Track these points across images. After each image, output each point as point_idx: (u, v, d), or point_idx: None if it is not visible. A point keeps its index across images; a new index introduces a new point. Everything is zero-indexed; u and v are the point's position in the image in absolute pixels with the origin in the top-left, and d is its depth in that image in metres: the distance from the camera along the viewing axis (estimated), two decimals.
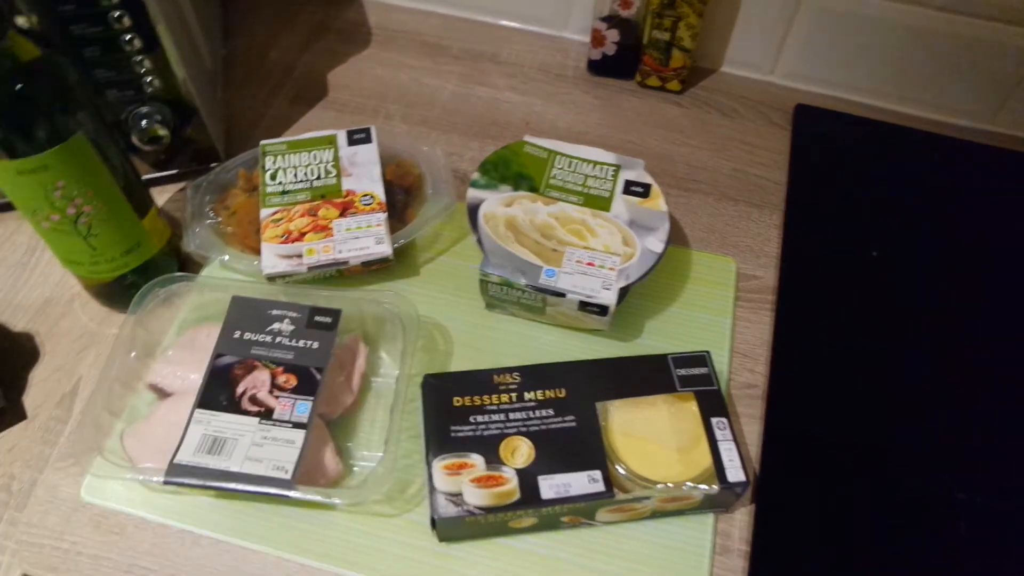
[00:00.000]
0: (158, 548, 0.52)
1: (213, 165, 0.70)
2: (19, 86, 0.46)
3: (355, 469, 0.55)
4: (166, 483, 0.50)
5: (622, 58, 0.80)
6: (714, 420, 0.53)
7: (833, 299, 0.66)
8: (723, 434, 0.53)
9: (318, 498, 0.50)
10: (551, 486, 0.50)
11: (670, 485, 0.51)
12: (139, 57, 0.60)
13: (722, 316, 0.64)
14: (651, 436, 0.53)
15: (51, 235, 0.54)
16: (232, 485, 0.49)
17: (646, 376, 0.55)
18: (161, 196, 0.70)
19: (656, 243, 0.59)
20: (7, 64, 0.46)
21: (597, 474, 0.51)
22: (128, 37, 0.58)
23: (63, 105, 0.48)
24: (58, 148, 0.49)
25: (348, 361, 0.57)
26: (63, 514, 0.53)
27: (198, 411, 0.52)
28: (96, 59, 0.59)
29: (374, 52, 0.85)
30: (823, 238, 0.70)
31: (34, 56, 0.47)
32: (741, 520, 0.55)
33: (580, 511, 0.51)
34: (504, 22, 0.88)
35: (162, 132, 0.64)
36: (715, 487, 0.51)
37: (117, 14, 0.57)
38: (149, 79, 0.62)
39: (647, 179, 0.63)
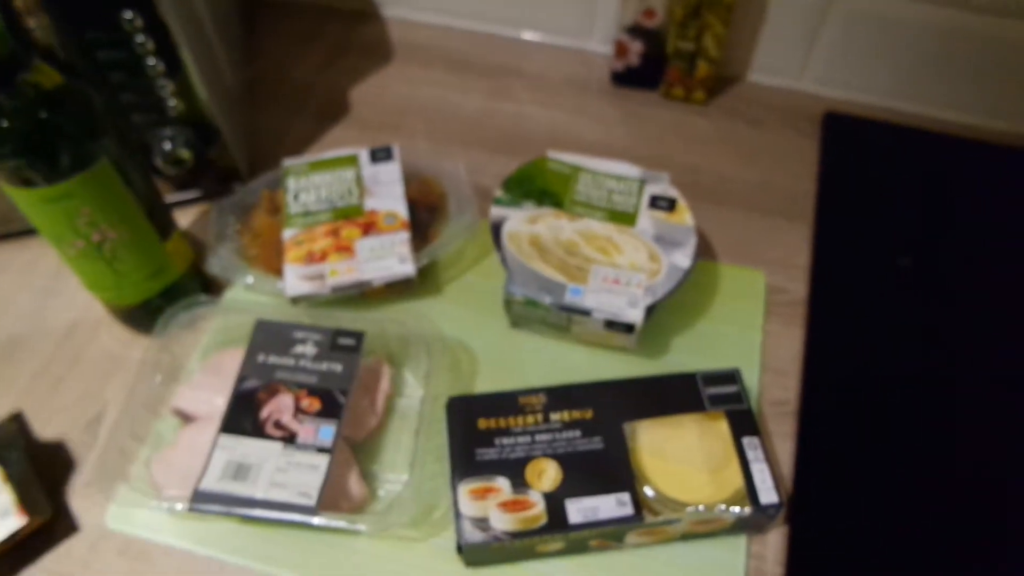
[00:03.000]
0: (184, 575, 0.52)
1: (236, 186, 0.70)
2: (44, 115, 0.46)
3: (380, 493, 0.54)
4: (191, 511, 0.49)
5: (646, 69, 0.79)
6: (745, 440, 0.52)
7: (866, 311, 0.64)
8: (755, 454, 0.52)
9: (343, 524, 0.49)
10: (579, 510, 0.49)
11: (701, 508, 0.49)
12: (162, 80, 0.60)
13: (752, 331, 0.62)
14: (681, 457, 0.52)
15: (76, 261, 0.54)
16: (256, 512, 0.49)
17: (675, 395, 0.54)
18: (185, 218, 0.70)
19: (683, 259, 0.58)
20: (31, 93, 0.46)
21: (625, 497, 0.49)
22: (152, 61, 0.59)
23: (88, 132, 0.48)
24: (83, 176, 0.49)
25: (372, 383, 0.57)
26: (89, 542, 0.53)
27: (222, 436, 0.52)
28: (120, 83, 0.60)
29: (396, 69, 0.85)
30: (854, 249, 0.68)
31: (58, 84, 0.47)
32: (775, 542, 0.53)
33: (609, 535, 0.50)
34: (527, 35, 0.87)
35: (185, 154, 0.65)
36: (747, 509, 0.49)
37: (141, 39, 0.57)
38: (172, 102, 0.62)
39: (672, 193, 0.62)
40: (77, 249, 0.53)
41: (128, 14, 0.56)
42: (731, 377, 0.55)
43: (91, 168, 0.49)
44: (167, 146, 0.64)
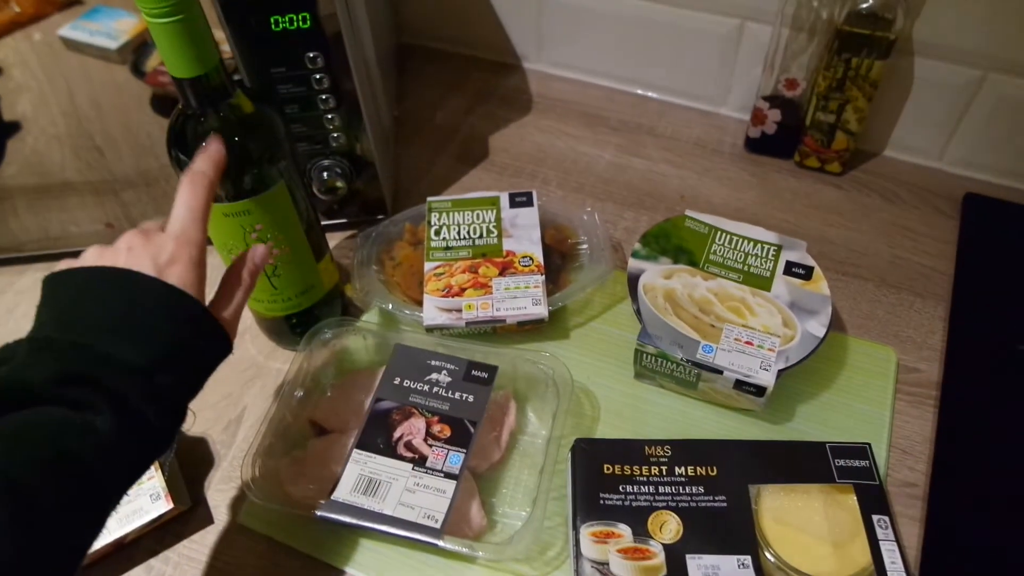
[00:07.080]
0: None
1: (381, 217, 0.74)
2: (238, 137, 0.51)
3: (497, 525, 0.55)
4: (322, 519, 0.52)
5: (782, 137, 0.80)
6: (875, 517, 0.51)
7: (1001, 398, 0.62)
8: (885, 533, 0.50)
9: (464, 550, 0.51)
10: (699, 566, 0.49)
11: None
12: (331, 115, 0.65)
13: (880, 408, 0.61)
14: (805, 526, 0.51)
15: None
16: (384, 528, 0.51)
17: (802, 463, 0.54)
18: (330, 243, 0.74)
19: (817, 327, 0.58)
20: (232, 117, 0.50)
21: (747, 560, 0.49)
22: (325, 97, 0.64)
23: (271, 156, 0.53)
24: (263, 195, 0.53)
25: (499, 417, 0.59)
26: (222, 534, 0.56)
27: (356, 451, 0.55)
28: (293, 115, 0.65)
29: (534, 119, 0.88)
30: (992, 333, 0.66)
31: (252, 111, 0.52)
32: None
33: None
34: (663, 97, 0.90)
35: (340, 184, 0.69)
36: None
37: (319, 76, 0.62)
38: (336, 135, 0.67)
39: (809, 261, 0.62)
40: None
41: (313, 54, 0.61)
42: (862, 451, 0.54)
43: (270, 189, 0.53)
44: (325, 175, 0.69)
